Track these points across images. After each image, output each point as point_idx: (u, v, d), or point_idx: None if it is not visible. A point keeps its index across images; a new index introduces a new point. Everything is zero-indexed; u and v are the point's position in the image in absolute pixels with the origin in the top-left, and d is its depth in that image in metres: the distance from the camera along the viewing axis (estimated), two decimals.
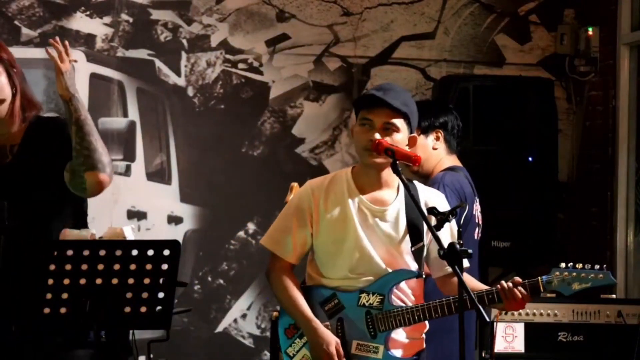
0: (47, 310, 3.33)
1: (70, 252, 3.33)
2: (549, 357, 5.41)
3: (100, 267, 3.34)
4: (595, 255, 6.32)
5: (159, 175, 6.56)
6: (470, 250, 3.45)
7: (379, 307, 3.76)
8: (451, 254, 3.44)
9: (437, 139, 4.72)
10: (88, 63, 6.40)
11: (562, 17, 6.98)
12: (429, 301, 3.78)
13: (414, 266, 3.80)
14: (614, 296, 5.77)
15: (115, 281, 3.34)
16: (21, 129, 3.77)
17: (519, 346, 5.37)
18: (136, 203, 6.48)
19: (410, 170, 4.59)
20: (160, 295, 3.36)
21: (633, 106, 6.63)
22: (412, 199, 3.69)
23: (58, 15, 6.43)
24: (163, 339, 5.25)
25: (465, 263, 3.66)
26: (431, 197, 3.86)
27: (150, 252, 3.36)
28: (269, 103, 6.71)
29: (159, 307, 3.36)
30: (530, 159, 6.34)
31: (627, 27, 6.64)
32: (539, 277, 3.74)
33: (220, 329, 6.60)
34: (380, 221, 3.78)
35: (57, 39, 3.70)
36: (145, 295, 3.35)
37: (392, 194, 3.83)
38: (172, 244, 3.38)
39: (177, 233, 6.52)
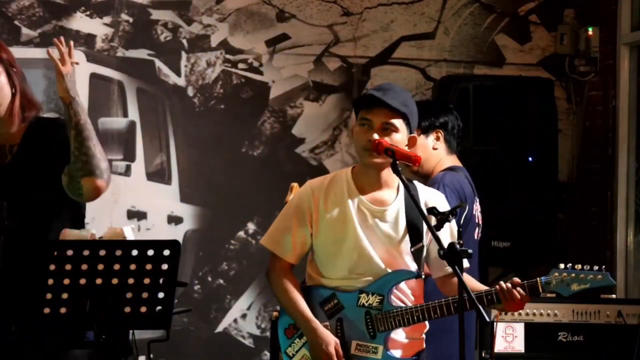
0: (47, 310, 3.33)
1: (70, 252, 3.34)
2: (549, 357, 5.41)
3: (100, 267, 3.34)
4: (595, 255, 6.33)
5: (159, 175, 6.56)
6: (470, 250, 3.45)
7: (378, 308, 3.76)
8: (451, 254, 3.44)
9: (438, 139, 4.72)
10: (88, 63, 6.40)
11: (562, 17, 6.98)
12: (428, 301, 3.78)
13: (413, 266, 3.79)
14: (614, 296, 5.76)
15: (115, 281, 3.34)
16: (21, 129, 3.77)
17: (519, 346, 5.37)
18: (136, 203, 6.48)
19: (410, 170, 4.59)
20: (160, 295, 3.36)
21: (633, 106, 6.63)
22: (412, 199, 3.69)
23: (58, 15, 6.43)
24: (163, 339, 5.25)
25: (465, 263, 3.66)
26: (431, 197, 3.86)
27: (150, 252, 3.36)
28: (269, 103, 6.71)
29: (159, 307, 3.36)
30: (530, 159, 6.34)
31: (627, 27, 6.64)
32: (538, 278, 3.74)
33: (220, 329, 6.60)
34: (379, 221, 3.78)
35: (62, 39, 3.69)
36: (145, 295, 3.35)
37: (392, 194, 3.83)
38: (172, 244, 3.38)
39: (177, 233, 6.52)
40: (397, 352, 3.79)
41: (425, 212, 3.63)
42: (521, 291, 3.69)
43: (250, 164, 6.66)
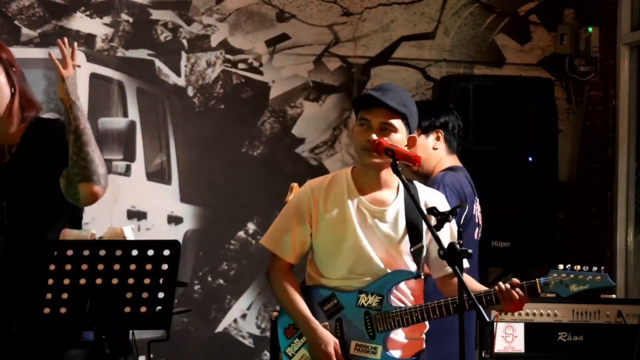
0: (47, 310, 3.33)
1: (70, 252, 3.33)
2: (549, 357, 5.41)
3: (100, 267, 3.34)
4: (595, 255, 6.33)
5: (159, 175, 6.56)
6: (470, 251, 3.45)
7: (377, 308, 3.76)
8: (451, 254, 3.44)
9: (438, 139, 4.72)
10: (88, 63, 6.40)
11: (562, 17, 6.98)
12: (428, 302, 3.78)
13: (413, 267, 3.79)
14: (614, 296, 5.76)
15: (115, 281, 3.34)
16: (20, 129, 3.76)
17: (519, 346, 5.37)
18: (136, 203, 6.48)
19: (410, 170, 4.59)
20: (160, 295, 3.36)
21: (633, 106, 6.62)
22: (412, 199, 3.69)
23: (58, 15, 6.43)
24: (163, 339, 5.25)
25: (465, 263, 3.66)
26: (431, 197, 3.86)
27: (150, 252, 3.36)
28: (269, 103, 6.71)
29: (159, 307, 3.36)
30: (530, 159, 6.34)
31: (627, 27, 6.64)
32: (537, 279, 3.73)
33: (220, 329, 6.60)
34: (379, 222, 3.78)
35: (66, 40, 3.69)
36: (145, 295, 3.35)
37: (391, 195, 3.83)
38: (172, 244, 3.38)
39: (177, 233, 6.52)
40: (396, 353, 3.79)
41: (425, 212, 3.63)
42: (520, 292, 3.69)
43: (250, 164, 6.66)
